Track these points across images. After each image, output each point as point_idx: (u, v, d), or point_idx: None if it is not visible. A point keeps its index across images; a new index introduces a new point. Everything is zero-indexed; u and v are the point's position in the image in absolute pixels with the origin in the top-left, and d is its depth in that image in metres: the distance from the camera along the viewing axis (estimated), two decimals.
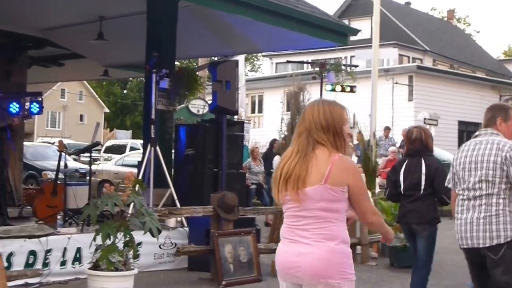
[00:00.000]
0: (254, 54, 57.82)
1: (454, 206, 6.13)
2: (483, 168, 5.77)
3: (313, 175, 4.25)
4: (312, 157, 4.28)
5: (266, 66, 57.00)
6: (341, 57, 41.81)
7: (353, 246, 12.21)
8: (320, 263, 4.22)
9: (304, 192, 4.25)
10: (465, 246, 5.88)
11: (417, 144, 7.97)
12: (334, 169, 4.22)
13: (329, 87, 14.25)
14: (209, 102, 14.09)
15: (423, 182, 7.84)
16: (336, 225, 4.27)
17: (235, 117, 15.41)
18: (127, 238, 7.94)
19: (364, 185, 4.43)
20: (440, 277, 10.18)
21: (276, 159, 16.78)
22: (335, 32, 14.04)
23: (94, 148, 14.72)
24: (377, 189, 15.17)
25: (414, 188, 7.90)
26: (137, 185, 8.36)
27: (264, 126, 35.59)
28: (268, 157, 19.74)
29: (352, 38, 15.56)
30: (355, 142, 21.08)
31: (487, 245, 5.72)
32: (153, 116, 11.64)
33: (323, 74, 14.08)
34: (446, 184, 6.22)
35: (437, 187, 7.74)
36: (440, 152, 21.87)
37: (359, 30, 15.39)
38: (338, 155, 4.27)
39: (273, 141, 19.78)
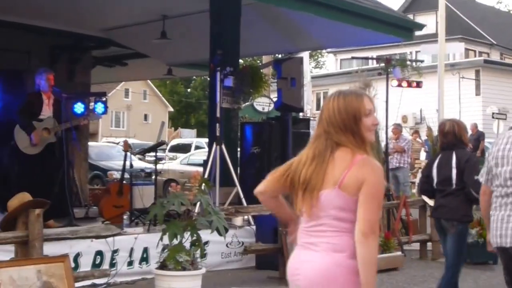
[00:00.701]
0: (318, 51, 57.56)
1: (483, 202, 5.89)
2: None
3: (328, 181, 3.75)
4: (330, 162, 3.78)
5: (330, 62, 56.70)
6: (406, 52, 41.34)
7: (423, 243, 12.09)
8: (318, 274, 3.76)
9: (317, 198, 3.77)
10: (495, 245, 5.60)
11: (450, 137, 7.67)
12: (351, 172, 3.72)
13: (395, 82, 14.00)
14: (274, 99, 14.01)
15: (454, 176, 7.52)
16: (349, 236, 3.72)
17: (301, 114, 15.31)
18: (194, 238, 7.92)
19: (377, 194, 3.75)
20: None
21: None
22: (400, 27, 13.87)
23: (159, 148, 14.77)
24: None
25: (446, 183, 7.60)
26: (203, 184, 8.32)
27: None
28: None
29: (418, 33, 15.30)
30: (424, 138, 20.82)
31: (509, 244, 5.42)
32: (218, 115, 11.62)
33: (389, 70, 13.84)
34: (479, 178, 5.93)
35: (466, 180, 7.41)
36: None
37: (424, 25, 15.17)
38: (361, 156, 3.75)
39: None
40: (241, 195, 11.43)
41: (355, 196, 3.69)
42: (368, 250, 3.67)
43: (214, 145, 11.53)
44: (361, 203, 3.68)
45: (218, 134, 11.54)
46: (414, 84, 14.34)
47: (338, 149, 3.78)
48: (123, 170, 12.99)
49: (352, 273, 3.70)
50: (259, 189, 4.06)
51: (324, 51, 54.44)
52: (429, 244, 12.14)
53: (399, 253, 11.27)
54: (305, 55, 19.99)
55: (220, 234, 8.12)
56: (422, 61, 16.73)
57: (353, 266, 3.69)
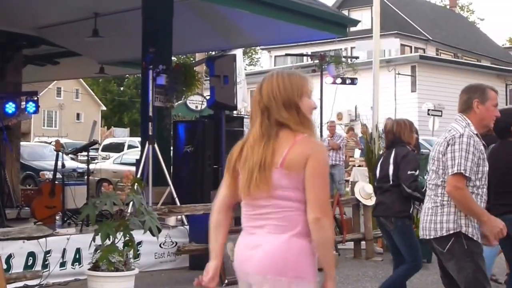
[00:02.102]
0: (252, 48, 57.79)
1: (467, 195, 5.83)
2: (434, 158, 5.63)
3: (272, 161, 3.71)
4: (276, 142, 3.73)
5: (265, 59, 56.95)
6: (341, 49, 41.69)
7: (357, 242, 12.30)
8: (268, 256, 3.71)
9: (270, 178, 3.71)
10: (421, 237, 5.82)
11: (390, 136, 7.99)
12: (292, 150, 3.69)
13: (329, 79, 14.24)
14: (208, 97, 14.12)
15: (390, 173, 7.73)
16: (297, 215, 3.70)
17: (235, 112, 15.42)
18: (127, 238, 7.95)
19: (323, 170, 3.75)
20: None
21: None
22: (334, 23, 14.04)
23: (91, 147, 14.77)
24: None
25: (385, 180, 7.83)
26: (136, 184, 8.39)
27: None
28: None
29: (353, 29, 15.61)
30: (360, 135, 21.13)
31: (427, 237, 5.64)
32: (150, 113, 11.65)
33: (323, 67, 14.06)
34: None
35: (399, 176, 7.63)
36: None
37: (359, 21, 15.43)
38: (301, 136, 3.73)
39: None
40: (174, 195, 11.48)
41: (300, 173, 3.67)
42: (323, 233, 3.68)
43: (147, 144, 11.57)
44: (308, 182, 3.67)
45: (150, 133, 11.58)
46: (349, 81, 14.57)
47: (281, 130, 3.76)
48: (55, 170, 12.97)
49: (305, 252, 3.70)
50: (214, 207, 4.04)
51: (258, 48, 54.68)
52: (363, 243, 12.25)
53: (333, 252, 11.44)
54: (238, 52, 20.14)
55: (153, 235, 8.18)
56: (356, 58, 17.06)
57: (305, 246, 3.70)
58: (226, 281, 9.81)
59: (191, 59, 33.42)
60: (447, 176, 5.40)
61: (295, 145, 3.70)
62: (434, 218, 5.54)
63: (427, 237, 5.64)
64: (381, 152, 8.67)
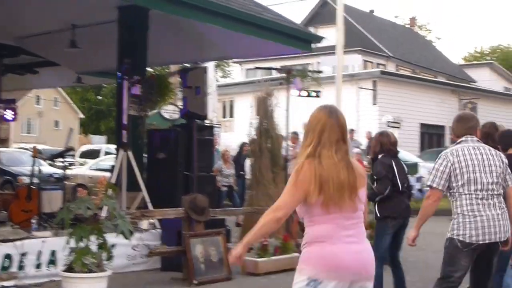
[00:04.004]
0: (225, 61, 57.80)
1: (434, 205, 6.29)
2: (494, 171, 6.17)
3: (358, 180, 4.30)
4: (353, 166, 4.31)
5: (236, 72, 56.95)
6: (309, 63, 41.94)
7: None
8: (370, 259, 4.30)
9: (357, 196, 4.29)
10: (487, 241, 6.07)
11: (395, 146, 8.60)
12: (362, 172, 4.38)
13: (295, 92, 14.22)
14: (181, 107, 14.04)
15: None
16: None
17: (207, 121, 15.37)
18: (101, 241, 7.89)
19: None
20: None
21: (247, 162, 16.78)
22: (300, 39, 14.06)
23: (67, 153, 14.60)
24: None
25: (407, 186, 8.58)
26: (110, 189, 8.31)
27: (235, 130, 35.57)
28: (238, 160, 19.77)
29: (320, 44, 15.58)
30: None
31: (503, 239, 6.13)
32: (125, 122, 11.58)
33: (290, 80, 14.03)
34: (430, 183, 6.25)
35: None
36: (403, 153, 21.98)
37: (323, 38, 15.42)
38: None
39: (242, 145, 19.79)
40: (147, 200, 11.44)
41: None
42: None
43: (121, 151, 11.49)
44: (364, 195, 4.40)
45: (125, 140, 11.50)
46: (314, 94, 14.57)
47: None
48: (32, 175, 12.81)
49: None
50: (281, 214, 4.30)
51: (230, 61, 54.71)
52: None
53: (297, 254, 11.41)
54: (210, 64, 20.11)
55: (125, 237, 8.12)
56: (320, 72, 17.07)
57: None
58: (195, 281, 9.75)
59: (166, 70, 33.33)
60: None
61: (360, 168, 4.36)
62: (505, 223, 6.15)
63: (498, 239, 6.14)
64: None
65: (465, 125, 6.40)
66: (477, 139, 6.37)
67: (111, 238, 8.31)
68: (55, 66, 17.24)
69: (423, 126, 36.43)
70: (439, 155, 6.36)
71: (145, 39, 12.83)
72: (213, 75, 23.39)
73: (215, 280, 10.03)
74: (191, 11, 11.62)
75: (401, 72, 43.93)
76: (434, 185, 6.20)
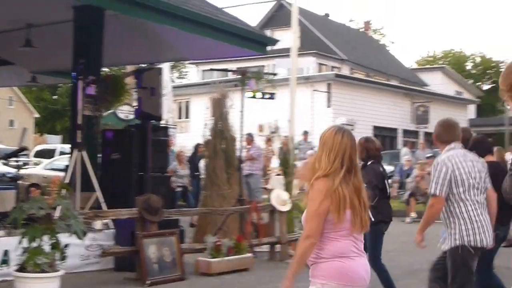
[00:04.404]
0: (181, 62, 57.65)
1: (439, 212, 6.42)
2: (482, 177, 6.47)
3: (367, 200, 4.60)
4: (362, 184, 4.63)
5: (193, 73, 56.84)
6: (264, 65, 42.04)
7: (273, 245, 12.36)
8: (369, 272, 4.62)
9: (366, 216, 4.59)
10: (488, 244, 6.39)
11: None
12: None
13: (250, 94, 14.25)
14: (136, 107, 13.96)
15: None
16: None
17: (162, 122, 15.31)
18: (54, 241, 7.83)
19: None
20: None
21: (201, 162, 16.75)
22: (255, 41, 14.09)
23: (21, 153, 14.44)
24: (296, 191, 15.27)
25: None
26: (63, 189, 8.25)
27: (191, 131, 35.49)
28: (193, 161, 19.74)
29: (276, 47, 15.65)
30: (281, 145, 21.25)
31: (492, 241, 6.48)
32: (79, 122, 11.50)
33: (245, 82, 14.06)
34: (434, 192, 6.35)
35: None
36: None
37: (278, 40, 15.49)
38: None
39: (197, 146, 19.76)
40: (101, 200, 11.35)
41: None
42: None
43: (75, 151, 11.40)
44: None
45: (79, 140, 11.42)
46: (268, 96, 14.61)
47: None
48: None
49: None
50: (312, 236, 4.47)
51: (186, 62, 54.58)
52: (278, 246, 12.35)
53: (250, 255, 11.48)
54: (165, 66, 20.05)
55: (78, 237, 8.07)
56: (275, 74, 17.12)
57: None
58: (148, 281, 9.72)
59: (123, 71, 33.14)
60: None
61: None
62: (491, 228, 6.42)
63: (490, 244, 6.45)
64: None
65: (453, 132, 6.56)
66: (462, 145, 6.59)
67: (64, 238, 8.24)
68: (9, 65, 17.02)
69: (376, 128, 36.74)
70: (436, 163, 6.45)
71: (100, 39, 12.74)
72: (168, 76, 23.31)
73: (168, 280, 10.01)
74: (146, 12, 11.58)
75: (355, 75, 44.23)
76: (438, 193, 6.31)
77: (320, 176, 4.46)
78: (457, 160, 6.37)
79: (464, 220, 6.29)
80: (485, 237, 6.32)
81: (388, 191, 8.60)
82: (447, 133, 6.58)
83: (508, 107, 3.79)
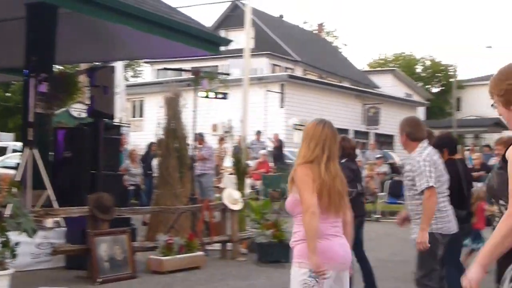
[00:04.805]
0: (136, 61, 57.30)
1: (436, 202, 6.53)
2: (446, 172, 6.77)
3: (345, 187, 5.02)
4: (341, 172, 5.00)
5: (147, 72, 56.50)
6: (218, 66, 42.01)
7: (224, 243, 12.37)
8: (350, 251, 4.95)
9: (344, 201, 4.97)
10: (454, 231, 6.71)
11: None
12: None
13: (202, 93, 14.23)
14: (88, 105, 13.83)
15: None
16: None
17: (116, 120, 15.21)
18: (4, 239, 7.73)
19: None
20: None
21: (154, 161, 16.68)
22: (208, 41, 14.07)
23: None
24: (248, 190, 15.32)
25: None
26: (14, 187, 8.15)
27: (145, 130, 35.30)
28: (146, 160, 19.65)
29: (230, 47, 15.65)
30: (235, 144, 21.26)
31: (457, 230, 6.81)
32: (31, 119, 11.35)
33: (198, 81, 14.04)
34: (426, 184, 6.44)
35: None
36: None
37: (231, 41, 15.50)
38: None
39: (151, 144, 19.68)
40: (52, 198, 11.21)
41: None
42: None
43: (27, 149, 11.26)
44: None
45: (31, 138, 11.27)
46: (220, 95, 14.61)
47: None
48: None
49: None
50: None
51: (141, 61, 54.27)
52: (229, 244, 12.37)
53: (202, 253, 11.47)
54: (118, 64, 19.91)
55: (28, 236, 7.99)
56: (228, 75, 17.14)
57: None
58: (99, 279, 9.65)
59: (77, 69, 32.84)
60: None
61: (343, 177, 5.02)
62: None
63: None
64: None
65: (423, 130, 6.78)
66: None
67: (15, 236, 8.15)
68: None
69: None
70: (418, 160, 6.55)
71: (53, 37, 12.59)
72: (122, 75, 23.16)
73: (119, 279, 9.94)
74: (100, 10, 11.50)
75: (308, 76, 44.44)
76: (431, 184, 6.43)
77: (301, 163, 4.80)
78: (435, 157, 6.60)
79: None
80: (452, 225, 6.67)
81: (362, 188, 8.81)
82: (419, 131, 6.72)
83: (496, 110, 3.76)
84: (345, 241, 4.86)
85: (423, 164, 6.44)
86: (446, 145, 7.84)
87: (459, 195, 7.59)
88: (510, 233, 3.24)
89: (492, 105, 3.65)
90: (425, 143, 6.65)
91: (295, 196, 4.77)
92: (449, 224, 6.64)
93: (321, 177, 4.72)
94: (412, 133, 6.67)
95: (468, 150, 27.98)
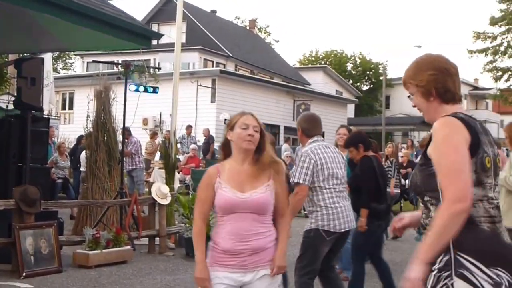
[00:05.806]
0: (66, 53, 56.45)
1: (303, 200, 6.66)
2: (343, 167, 6.87)
3: None
4: None
5: (78, 64, 55.71)
6: (149, 59, 41.70)
7: (152, 238, 12.30)
8: None
9: None
10: (344, 230, 6.69)
11: None
12: None
13: (133, 87, 14.09)
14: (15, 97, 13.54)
15: None
16: None
17: (45, 113, 14.95)
18: None
19: None
20: None
21: (83, 154, 16.48)
22: (139, 35, 13.88)
23: None
24: (177, 184, 15.26)
25: None
26: None
27: (75, 123, 34.82)
28: (75, 153, 19.40)
29: (162, 41, 15.55)
30: (163, 139, 21.12)
31: (352, 227, 6.90)
32: None
33: (128, 75, 13.89)
34: (297, 180, 6.57)
35: None
36: None
37: (162, 35, 15.39)
38: None
39: (80, 137, 19.43)
40: None
41: None
42: None
43: None
44: None
45: None
46: (151, 89, 14.50)
47: None
48: None
49: None
50: None
51: (71, 53, 53.49)
52: (157, 239, 12.32)
53: (129, 247, 11.38)
54: (47, 56, 19.57)
55: None
56: (159, 69, 16.99)
57: None
58: (24, 273, 9.50)
59: (6, 59, 32.11)
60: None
61: None
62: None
63: (351, 227, 6.94)
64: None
65: (318, 126, 6.89)
66: (323, 139, 6.91)
67: None
68: None
69: None
70: (301, 154, 6.68)
71: None
72: (50, 67, 22.76)
73: (45, 273, 9.80)
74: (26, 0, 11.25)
75: (240, 72, 44.52)
76: (301, 182, 6.53)
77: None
78: (319, 151, 6.67)
79: (320, 208, 6.62)
80: (340, 223, 6.64)
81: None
82: (314, 127, 6.90)
83: (412, 102, 3.72)
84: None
85: (302, 159, 6.62)
86: (362, 142, 7.99)
87: (377, 190, 7.78)
88: (451, 222, 3.06)
89: (408, 96, 3.66)
90: (316, 138, 6.82)
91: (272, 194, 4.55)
92: (337, 221, 6.62)
93: None
94: (307, 129, 6.88)
95: (403, 147, 28.45)
